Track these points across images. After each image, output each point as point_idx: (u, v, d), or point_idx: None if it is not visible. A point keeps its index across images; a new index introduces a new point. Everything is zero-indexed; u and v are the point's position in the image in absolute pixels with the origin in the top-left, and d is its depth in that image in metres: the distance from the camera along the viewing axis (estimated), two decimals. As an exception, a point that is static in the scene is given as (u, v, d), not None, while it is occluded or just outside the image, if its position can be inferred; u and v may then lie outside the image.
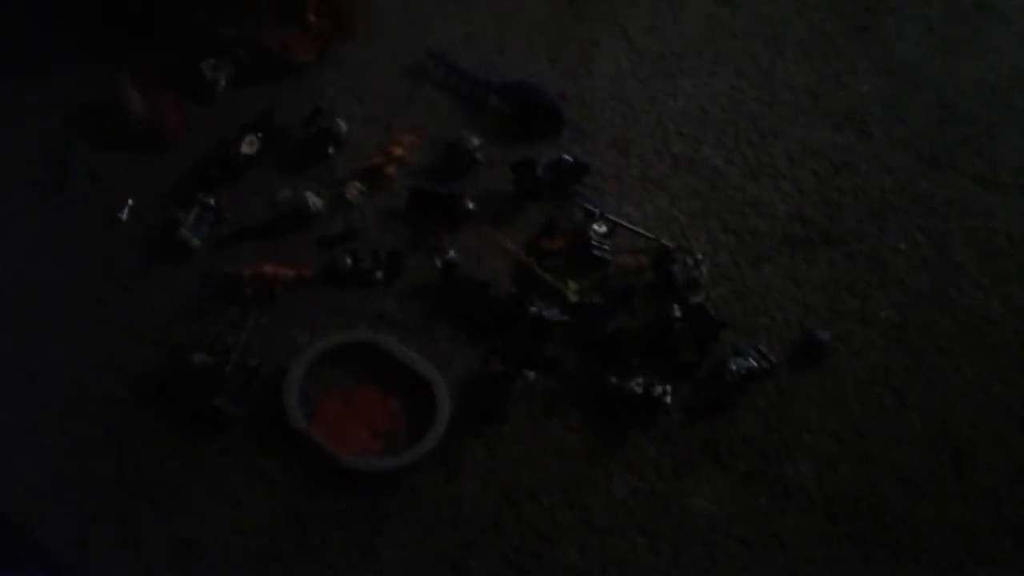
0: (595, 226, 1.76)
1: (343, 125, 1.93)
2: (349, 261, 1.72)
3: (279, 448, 1.53)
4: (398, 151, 1.90)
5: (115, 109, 1.96)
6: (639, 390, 1.55)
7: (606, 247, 1.74)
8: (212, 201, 1.80)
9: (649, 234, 1.77)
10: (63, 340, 1.68)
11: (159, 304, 1.72)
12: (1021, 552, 1.45)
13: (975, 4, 2.22)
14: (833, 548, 1.45)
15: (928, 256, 1.78)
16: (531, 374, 1.57)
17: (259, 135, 1.90)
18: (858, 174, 1.90)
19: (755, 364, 1.60)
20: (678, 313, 1.64)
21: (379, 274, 1.73)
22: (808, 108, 2.02)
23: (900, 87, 2.06)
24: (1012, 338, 1.67)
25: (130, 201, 1.84)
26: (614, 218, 1.78)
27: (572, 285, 1.69)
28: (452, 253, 1.74)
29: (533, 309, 1.64)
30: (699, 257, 1.73)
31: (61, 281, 1.76)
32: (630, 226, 1.78)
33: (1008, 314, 1.70)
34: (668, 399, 1.55)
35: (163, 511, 1.48)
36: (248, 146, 1.88)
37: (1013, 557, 1.45)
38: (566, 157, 1.84)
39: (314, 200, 1.81)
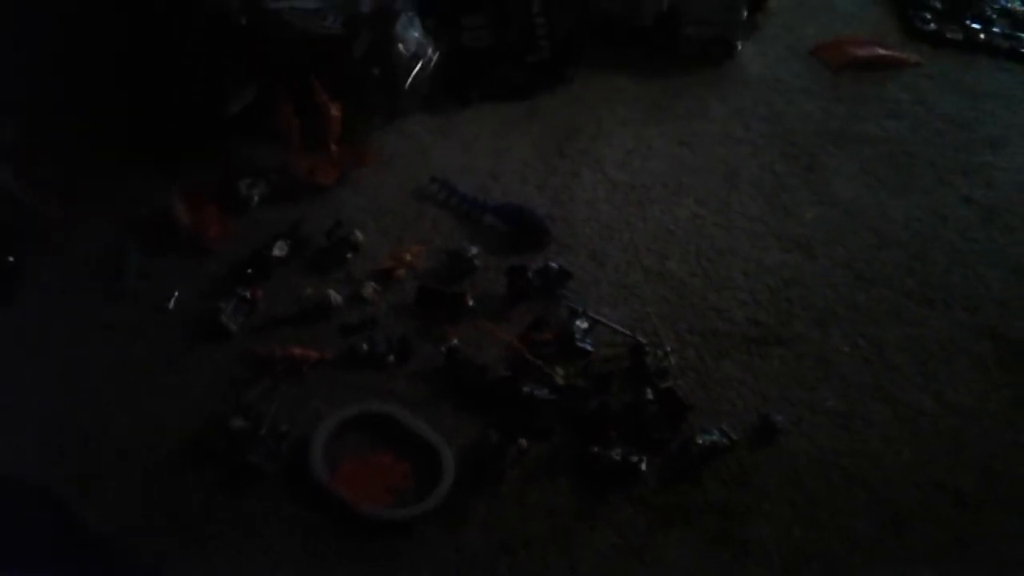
0: (578, 322, 1.97)
1: (360, 235, 2.19)
2: (365, 347, 1.93)
3: (305, 500, 1.69)
4: (407, 257, 2.14)
5: (165, 219, 2.22)
6: (617, 458, 1.72)
7: (588, 340, 1.95)
8: (248, 294, 2.03)
9: (625, 330, 1.98)
10: (120, 408, 1.87)
11: (202, 378, 1.92)
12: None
13: (905, 152, 2.50)
14: (789, 598, 1.60)
15: (868, 357, 1.96)
16: (523, 442, 1.74)
17: (288, 241, 2.16)
18: (805, 288, 2.11)
19: (718, 440, 1.78)
20: (650, 396, 1.84)
21: (391, 358, 1.92)
22: (760, 232, 2.26)
23: (840, 217, 2.29)
24: (944, 428, 1.83)
25: (176, 293, 2.08)
26: (595, 316, 2.00)
27: (559, 371, 1.88)
28: (455, 342, 1.94)
29: (525, 389, 1.83)
30: (668, 350, 1.94)
31: (118, 358, 1.97)
32: (608, 323, 2.00)
33: (939, 408, 1.87)
34: (643, 466, 1.73)
35: (205, 553, 1.62)
36: (279, 250, 2.13)
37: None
38: (552, 265, 2.08)
39: (335, 296, 2.03)
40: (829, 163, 2.47)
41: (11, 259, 2.09)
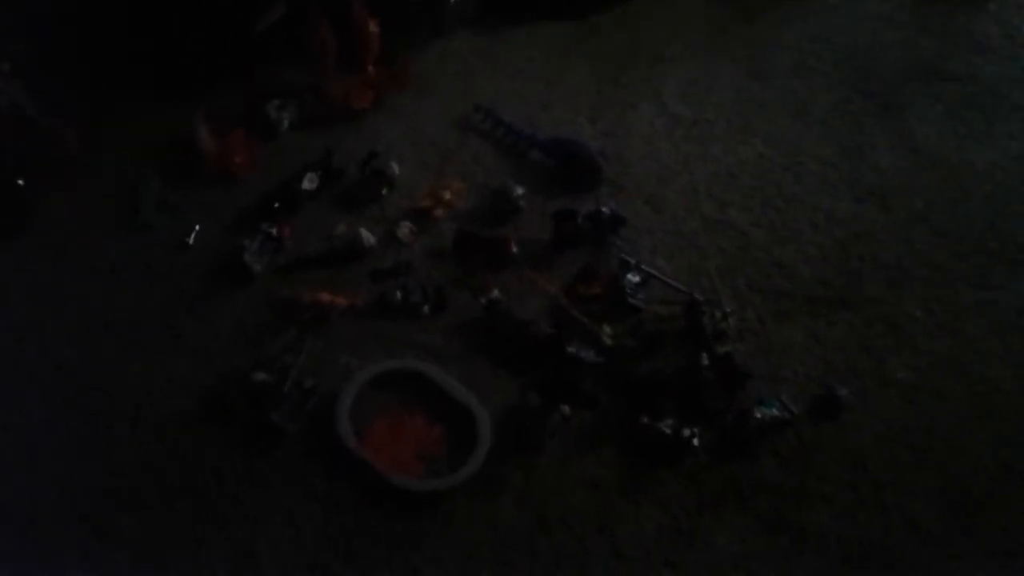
0: (630, 275, 1.84)
1: (396, 168, 2.06)
2: (399, 295, 1.83)
3: (329, 466, 1.61)
4: (446, 195, 2.02)
5: (187, 145, 2.11)
6: (668, 431, 1.62)
7: (640, 296, 1.82)
8: (274, 231, 1.93)
9: (681, 286, 1.85)
10: (135, 358, 1.79)
11: (223, 325, 1.83)
12: (1026, 604, 1.49)
13: (991, 93, 2.31)
14: (847, 591, 1.50)
15: (943, 324, 1.83)
16: (566, 409, 1.63)
17: (319, 173, 2.04)
18: (877, 243, 1.97)
19: (778, 414, 1.66)
20: (706, 361, 1.71)
21: (426, 308, 1.82)
22: (831, 179, 2.11)
23: (918, 165, 2.14)
24: (1022, 407, 1.70)
25: (197, 227, 1.98)
26: (648, 269, 1.87)
27: (607, 329, 1.77)
28: (495, 293, 1.83)
29: (570, 349, 1.71)
30: (727, 310, 1.80)
31: (133, 302, 1.89)
32: (663, 278, 1.86)
33: (1018, 384, 1.73)
34: (696, 441, 1.62)
35: (222, 520, 1.56)
36: (309, 182, 2.02)
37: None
38: (604, 209, 1.94)
39: (367, 236, 1.92)
40: (909, 102, 2.30)
41: (20, 182, 1.99)
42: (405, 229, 1.96)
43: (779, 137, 2.21)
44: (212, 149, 2.10)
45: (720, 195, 2.08)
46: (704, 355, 1.72)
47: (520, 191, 2.00)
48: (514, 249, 1.90)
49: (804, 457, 1.64)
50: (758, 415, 1.65)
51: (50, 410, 1.72)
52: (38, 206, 2.04)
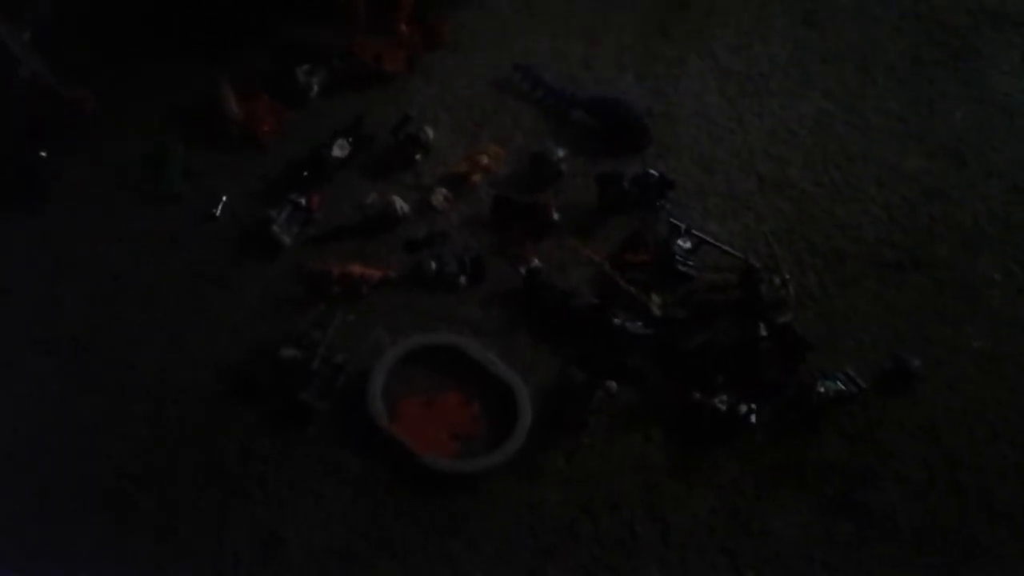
0: (680, 241, 1.76)
1: (430, 132, 1.99)
2: (434, 265, 1.77)
3: (360, 446, 1.56)
4: (484, 160, 1.95)
5: (212, 112, 2.06)
6: (723, 407, 1.54)
7: (691, 263, 1.74)
8: (303, 201, 1.87)
9: (735, 252, 1.76)
10: (156, 332, 1.76)
11: (250, 299, 1.79)
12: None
13: None
14: (920, 579, 1.41)
15: (1023, 287, 1.72)
16: (612, 385, 1.56)
17: (350, 139, 1.97)
18: (950, 202, 1.87)
19: (843, 387, 1.57)
20: (764, 332, 1.63)
21: (463, 279, 1.76)
22: (899, 133, 2.00)
23: (994, 116, 2.03)
24: None
25: (224, 198, 1.93)
26: (699, 233, 1.78)
27: (656, 299, 1.69)
28: (535, 262, 1.76)
29: (616, 320, 1.64)
30: (786, 277, 1.71)
31: (156, 274, 1.85)
32: (716, 243, 1.78)
33: None
34: (753, 418, 1.54)
35: (248, 503, 1.52)
36: (339, 149, 1.95)
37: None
38: (652, 172, 1.86)
39: (401, 204, 1.86)
40: (983, 50, 2.18)
41: (43, 154, 1.95)
42: (440, 196, 1.89)
43: (840, 90, 2.11)
44: (238, 115, 2.05)
45: (777, 153, 1.98)
46: (761, 325, 1.64)
47: (562, 154, 1.93)
48: (555, 215, 1.83)
49: (871, 434, 1.56)
50: (821, 389, 1.57)
51: (68, 386, 1.69)
52: (60, 177, 2.00)
